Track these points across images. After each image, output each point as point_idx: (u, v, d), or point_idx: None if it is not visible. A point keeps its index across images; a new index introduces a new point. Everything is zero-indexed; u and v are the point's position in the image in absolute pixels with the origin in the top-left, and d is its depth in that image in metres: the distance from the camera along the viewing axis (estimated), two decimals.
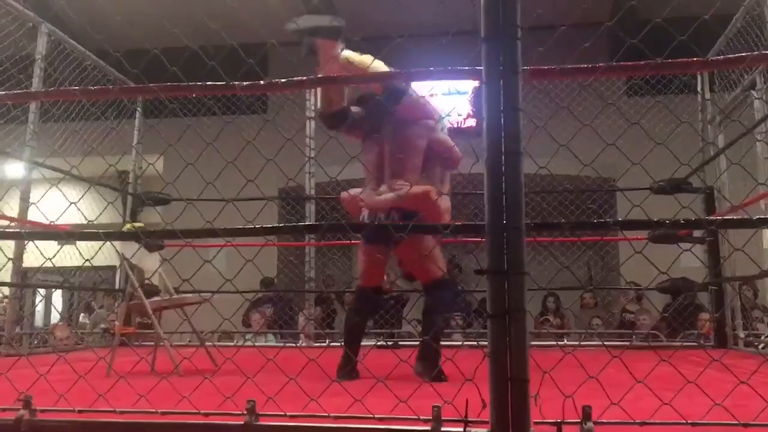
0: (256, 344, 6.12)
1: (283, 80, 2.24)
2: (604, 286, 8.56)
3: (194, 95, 2.75)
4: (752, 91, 4.89)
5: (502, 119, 1.73)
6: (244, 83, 2.24)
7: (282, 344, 6.32)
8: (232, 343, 6.35)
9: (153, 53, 2.34)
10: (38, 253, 3.81)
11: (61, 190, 2.43)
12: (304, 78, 2.31)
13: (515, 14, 1.75)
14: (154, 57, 2.35)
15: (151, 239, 3.11)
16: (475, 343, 4.80)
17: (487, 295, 1.70)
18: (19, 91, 2.70)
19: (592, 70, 1.99)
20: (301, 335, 6.57)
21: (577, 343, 5.72)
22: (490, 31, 1.75)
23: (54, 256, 2.51)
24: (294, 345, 6.16)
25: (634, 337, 6.29)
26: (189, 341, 5.96)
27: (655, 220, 2.17)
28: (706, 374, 2.34)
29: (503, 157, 1.72)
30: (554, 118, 2.42)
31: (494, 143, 1.73)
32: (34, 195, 5.21)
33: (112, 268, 9.28)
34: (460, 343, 5.87)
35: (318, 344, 6.21)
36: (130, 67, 2.75)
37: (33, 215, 5.25)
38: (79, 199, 2.29)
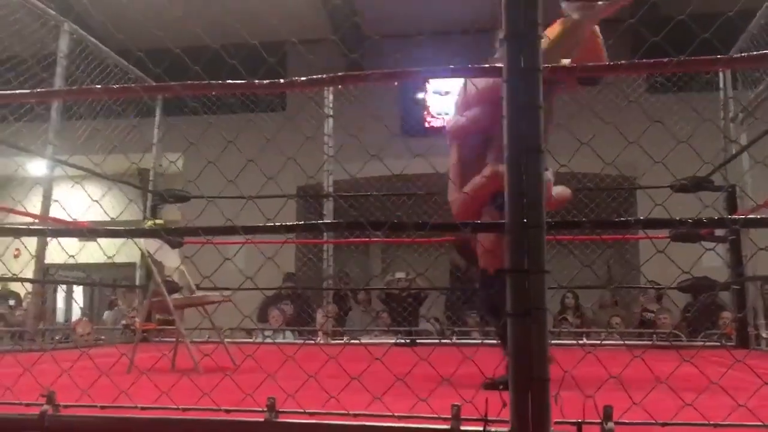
0: (275, 341, 6.16)
1: (302, 78, 2.25)
2: (624, 285, 8.49)
3: (214, 93, 2.76)
4: None
5: (523, 117, 1.72)
6: (264, 81, 2.24)
7: (302, 341, 6.35)
8: (251, 340, 6.39)
9: (174, 52, 2.36)
10: (60, 250, 3.86)
11: (83, 188, 2.45)
12: (324, 76, 2.30)
13: (536, 13, 1.74)
14: (175, 56, 2.37)
15: (172, 236, 3.13)
16: (494, 341, 4.79)
17: (508, 294, 1.69)
18: (42, 90, 2.73)
19: (615, 67, 1.97)
20: (319, 332, 6.59)
21: (597, 342, 5.69)
22: (511, 30, 1.74)
23: (77, 254, 2.55)
24: (312, 342, 6.18)
25: (654, 336, 6.24)
26: (208, 338, 6.01)
27: (677, 218, 2.15)
28: (728, 375, 2.32)
29: (524, 155, 1.71)
30: (575, 115, 2.41)
31: (515, 141, 1.73)
32: (56, 192, 5.28)
33: (132, 264, 9.38)
34: (479, 341, 5.87)
35: (335, 341, 6.23)
36: (152, 66, 2.77)
37: (55, 212, 5.33)
38: (102, 197, 2.32)
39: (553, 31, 2.87)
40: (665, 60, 1.95)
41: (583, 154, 2.00)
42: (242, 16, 8.96)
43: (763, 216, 2.68)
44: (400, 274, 8.04)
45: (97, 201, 2.19)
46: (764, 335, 5.33)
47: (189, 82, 2.25)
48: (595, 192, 7.20)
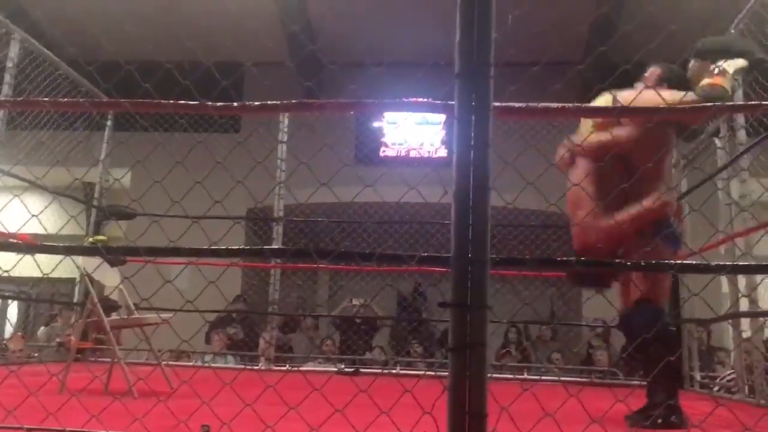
0: (214, 366, 6.03)
1: (257, 103, 2.25)
2: (566, 322, 8.63)
3: (166, 111, 2.73)
4: (715, 139, 5.03)
5: (472, 154, 1.76)
6: (218, 104, 2.23)
7: (242, 366, 6.24)
8: (190, 363, 6.25)
9: (127, 67, 2.33)
10: None
11: (22, 201, 2.39)
12: (279, 102, 2.31)
13: (489, 52, 1.78)
14: (128, 71, 2.34)
15: (113, 255, 3.06)
16: (434, 373, 4.79)
17: (449, 328, 1.70)
18: None
19: (561, 111, 2.03)
20: (261, 358, 6.49)
21: (537, 377, 5.75)
22: (463, 68, 1.78)
23: (13, 268, 2.46)
24: (254, 368, 6.08)
25: (593, 373, 6.34)
26: (146, 359, 5.85)
27: (616, 261, 2.21)
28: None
29: (471, 191, 1.74)
30: (522, 153, 2.46)
31: (463, 177, 1.75)
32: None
33: (71, 280, 9.10)
34: (421, 372, 5.87)
35: (277, 368, 6.14)
36: (102, 81, 2.73)
37: None
38: (42, 211, 2.26)
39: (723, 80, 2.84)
40: (610, 107, 2.02)
41: (528, 190, 2.05)
42: (202, 34, 8.93)
43: (699, 262, 2.78)
44: (357, 301, 8.00)
45: (35, 215, 2.13)
46: (698, 377, 5.48)
47: (140, 99, 2.22)
48: (540, 229, 7.33)
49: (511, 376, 5.77)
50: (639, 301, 2.86)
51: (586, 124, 3.07)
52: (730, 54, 2.92)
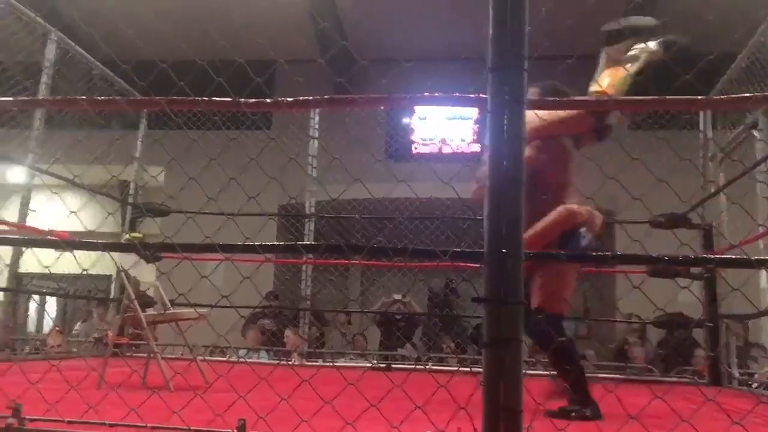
0: (248, 361, 6.09)
1: (289, 99, 2.26)
2: (600, 318, 8.53)
3: (200, 110, 2.76)
4: (754, 131, 4.92)
5: (506, 148, 1.74)
6: (251, 100, 2.25)
7: (277, 361, 6.29)
8: (224, 359, 6.32)
9: (161, 66, 2.36)
10: (34, 259, 3.81)
11: (63, 198, 2.43)
12: (311, 98, 2.32)
13: (522, 45, 1.77)
14: (162, 70, 2.37)
15: (149, 251, 3.10)
16: (468, 369, 4.77)
17: (484, 323, 1.69)
18: (26, 98, 2.72)
19: (594, 103, 2.00)
20: (294, 353, 6.54)
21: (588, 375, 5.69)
22: (497, 61, 1.77)
23: (52, 264, 2.51)
24: (287, 363, 6.13)
25: (627, 369, 6.26)
26: (181, 354, 5.93)
27: (655, 255, 2.17)
28: (700, 413, 2.33)
29: (505, 185, 1.72)
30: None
31: (497, 172, 1.74)
32: (35, 201, 5.21)
33: (108, 277, 9.26)
34: (454, 368, 5.84)
35: (310, 363, 6.18)
36: (138, 79, 2.77)
37: (33, 221, 5.26)
38: (80, 208, 2.30)
39: (614, 76, 2.93)
40: (647, 98, 1.99)
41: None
42: (233, 33, 8.99)
43: (738, 256, 2.72)
44: (397, 296, 8.00)
45: (74, 212, 2.17)
46: (736, 374, 5.37)
47: (175, 97, 2.25)
48: None
49: (544, 372, 5.71)
50: (535, 310, 2.92)
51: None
52: (640, 35, 3.04)
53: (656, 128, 7.26)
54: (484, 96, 1.82)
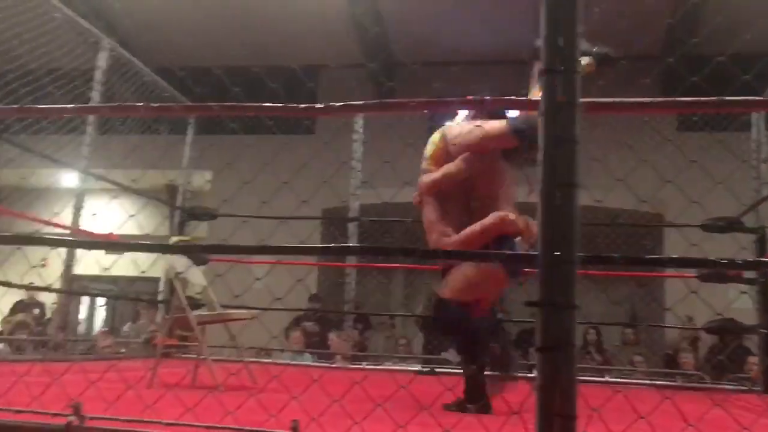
0: (293, 363, 6.14)
1: (338, 104, 2.27)
2: (651, 323, 8.36)
3: (251, 115, 2.81)
4: None
5: (559, 151, 1.73)
6: (302, 105, 2.27)
7: (325, 364, 6.32)
8: (269, 360, 6.38)
9: (214, 73, 2.40)
10: (88, 262, 3.91)
11: (119, 203, 2.49)
12: (361, 102, 2.33)
13: (575, 47, 1.75)
14: (208, 75, 2.41)
15: (201, 253, 3.16)
16: (517, 375, 4.71)
17: (537, 328, 1.68)
18: (85, 105, 2.80)
19: (654, 105, 1.97)
20: (337, 356, 6.57)
21: (619, 379, 5.59)
22: (549, 64, 1.75)
23: (105, 267, 2.58)
24: (332, 365, 6.16)
25: (677, 377, 6.13)
26: (228, 356, 6.01)
27: (709, 258, 2.12)
28: (758, 422, 2.27)
29: (558, 188, 1.71)
30: (601, 151, 2.41)
31: (550, 175, 1.73)
32: (90, 205, 5.35)
33: (156, 279, 9.45)
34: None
35: (354, 366, 6.19)
36: (187, 86, 2.82)
37: (91, 225, 5.41)
38: (136, 213, 2.35)
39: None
40: (703, 99, 1.94)
41: (606, 188, 2.00)
42: (275, 39, 9.10)
43: None
44: None
45: (133, 215, 2.22)
46: None
47: (227, 103, 2.28)
48: (622, 227, 7.13)
49: (592, 378, 5.63)
50: (439, 299, 3.09)
51: (424, 161, 3.37)
52: None
53: (708, 130, 7.10)
54: (537, 99, 1.81)
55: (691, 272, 5.33)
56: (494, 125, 3.05)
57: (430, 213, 3.18)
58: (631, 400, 1.86)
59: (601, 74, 3.15)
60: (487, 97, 2.49)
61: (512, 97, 2.83)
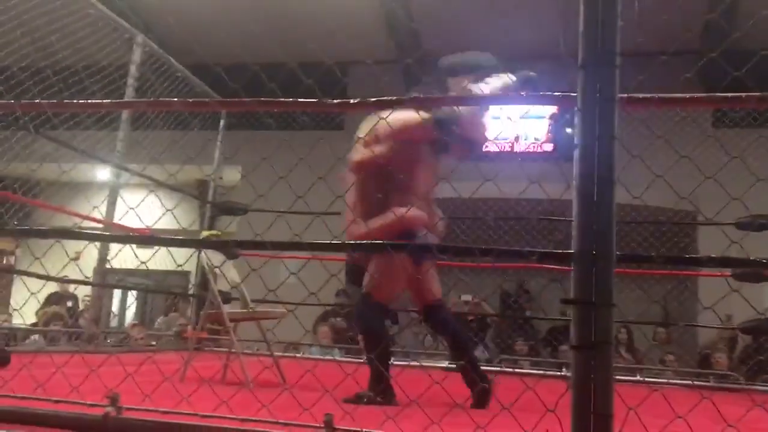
0: (322, 358, 6.17)
1: (372, 99, 2.28)
2: (685, 322, 8.24)
3: (285, 110, 2.84)
4: None
5: (596, 147, 1.71)
6: (335, 101, 2.27)
7: (349, 359, 6.34)
8: (299, 355, 6.41)
9: (248, 69, 2.41)
10: (123, 255, 3.96)
11: (145, 197, 2.52)
12: (392, 98, 2.33)
13: (615, 41, 1.73)
14: (240, 71, 2.43)
15: (239, 248, 3.20)
16: (544, 372, 4.70)
17: (572, 326, 1.66)
18: (122, 100, 2.85)
19: (692, 101, 1.94)
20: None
21: (658, 380, 5.52)
22: (587, 58, 1.73)
23: (137, 261, 2.62)
24: (360, 361, 6.16)
25: (711, 377, 6.04)
26: (257, 350, 6.05)
27: (750, 258, 2.09)
28: None
29: (596, 185, 1.69)
30: (637, 146, 2.37)
31: (587, 171, 1.71)
32: (127, 200, 5.43)
33: (187, 274, 9.55)
34: (541, 372, 5.72)
35: None
36: (217, 82, 2.85)
37: (121, 218, 5.49)
38: (172, 208, 2.38)
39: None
40: (746, 95, 1.91)
41: (639, 185, 1.96)
42: (305, 35, 9.12)
43: None
44: (465, 297, 7.95)
45: (169, 210, 2.25)
46: None
47: (261, 98, 2.29)
48: (654, 225, 7.04)
49: (623, 377, 5.56)
50: (363, 294, 3.21)
51: (357, 139, 3.43)
52: (485, 70, 3.48)
53: (743, 126, 6.98)
54: (573, 94, 1.79)
55: (726, 270, 5.23)
56: (416, 114, 3.10)
57: (350, 194, 3.24)
58: (667, 399, 1.83)
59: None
60: (524, 94, 2.47)
61: (544, 93, 2.81)
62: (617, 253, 1.70)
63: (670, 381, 5.64)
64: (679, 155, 2.19)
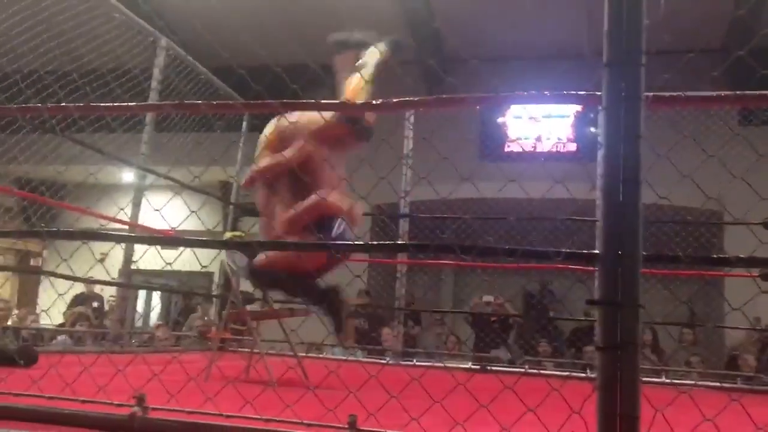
0: (345, 359, 6.17)
1: (395, 100, 2.27)
2: (712, 323, 8.13)
3: (309, 110, 2.91)
4: None
5: (622, 146, 1.69)
6: (358, 102, 2.28)
7: (372, 360, 6.34)
8: (321, 355, 6.43)
9: (270, 71, 2.42)
10: (148, 257, 4.01)
11: (168, 198, 2.54)
12: (416, 98, 2.33)
13: (640, 39, 1.71)
14: (262, 73, 2.43)
15: (256, 249, 3.24)
16: (568, 373, 4.66)
17: (598, 327, 1.65)
18: (148, 103, 2.90)
19: (719, 99, 1.91)
20: (388, 352, 6.57)
21: (684, 381, 5.45)
22: (612, 56, 1.72)
23: (163, 262, 2.64)
24: (382, 361, 6.17)
25: (738, 378, 5.95)
26: (279, 350, 6.07)
27: None
28: None
29: (621, 184, 1.67)
30: (662, 145, 2.34)
31: (612, 171, 1.69)
32: (145, 201, 5.49)
33: (210, 274, 9.62)
34: (565, 373, 5.68)
35: (405, 362, 6.19)
36: (239, 83, 2.86)
37: (146, 220, 5.55)
38: (197, 209, 2.40)
39: (355, 83, 3.36)
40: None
41: (662, 185, 1.94)
42: (323, 36, 9.14)
43: None
44: (487, 297, 7.93)
45: (194, 212, 2.26)
46: None
47: (286, 100, 2.30)
48: (679, 225, 6.95)
49: (649, 379, 5.50)
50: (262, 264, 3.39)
51: (258, 148, 3.73)
52: (359, 46, 3.62)
53: None
54: (597, 93, 1.77)
55: (754, 271, 5.15)
56: (325, 114, 3.22)
57: (262, 197, 3.55)
58: (689, 402, 1.81)
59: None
60: (548, 93, 2.45)
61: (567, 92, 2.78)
62: (644, 253, 1.69)
63: (697, 383, 5.56)
64: (706, 154, 2.17)
